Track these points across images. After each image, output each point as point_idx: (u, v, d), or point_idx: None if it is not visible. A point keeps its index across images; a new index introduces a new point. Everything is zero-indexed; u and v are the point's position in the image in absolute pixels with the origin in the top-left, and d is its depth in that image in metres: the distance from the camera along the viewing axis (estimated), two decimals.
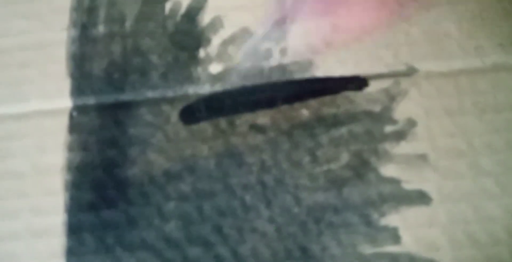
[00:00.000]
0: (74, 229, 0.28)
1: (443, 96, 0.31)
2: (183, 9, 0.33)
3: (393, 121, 0.30)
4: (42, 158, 0.30)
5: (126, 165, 0.29)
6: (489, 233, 0.28)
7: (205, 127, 0.30)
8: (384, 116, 0.30)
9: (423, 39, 0.32)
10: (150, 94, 0.31)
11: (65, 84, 0.31)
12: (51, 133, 0.30)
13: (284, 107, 0.31)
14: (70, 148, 0.30)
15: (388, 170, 0.29)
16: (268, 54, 0.32)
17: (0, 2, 0.34)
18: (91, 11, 0.33)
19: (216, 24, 0.33)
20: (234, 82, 0.31)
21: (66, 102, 0.31)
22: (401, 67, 0.32)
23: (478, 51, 0.32)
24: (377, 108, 0.31)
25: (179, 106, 0.31)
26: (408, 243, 0.28)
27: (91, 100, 0.31)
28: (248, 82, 0.31)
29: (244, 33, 0.32)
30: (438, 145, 0.30)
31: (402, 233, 0.28)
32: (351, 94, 0.31)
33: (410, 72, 0.31)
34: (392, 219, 0.28)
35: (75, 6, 0.33)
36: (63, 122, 0.30)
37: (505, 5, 0.33)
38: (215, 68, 0.32)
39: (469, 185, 0.29)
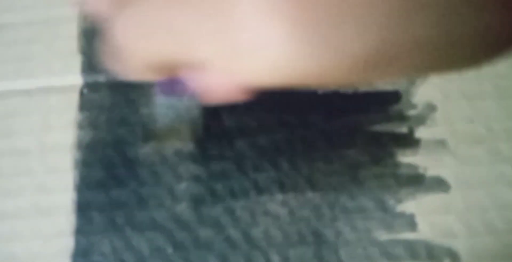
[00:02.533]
0: (83, 208, 0.28)
1: (463, 79, 0.30)
2: None
3: (412, 105, 0.30)
4: (49, 135, 0.29)
5: (137, 144, 0.28)
6: (506, 220, 0.27)
7: (218, 108, 0.29)
8: (403, 100, 0.30)
9: None
10: None
11: (74, 61, 0.31)
12: (59, 110, 0.30)
13: (297, 88, 0.30)
14: (81, 126, 0.29)
15: (405, 155, 0.29)
16: None
17: None
18: None
19: None
20: None
21: (76, 79, 0.30)
22: None
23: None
24: (395, 92, 0.30)
25: None
26: (425, 230, 0.27)
27: (102, 78, 0.30)
28: None
29: None
30: (457, 130, 0.29)
31: (419, 219, 0.27)
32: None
33: None
34: (408, 206, 0.28)
35: None
36: (73, 99, 0.30)
37: None
38: None
39: (487, 171, 0.28)
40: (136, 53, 0.15)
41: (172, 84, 0.22)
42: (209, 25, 0.13)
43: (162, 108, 0.25)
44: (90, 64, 0.31)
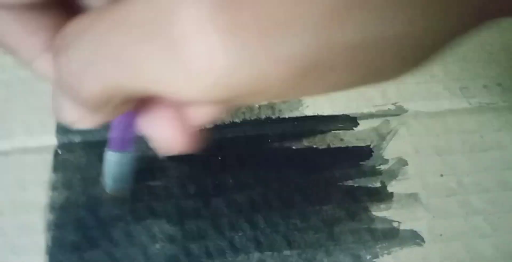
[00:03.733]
0: None
1: (432, 135, 0.31)
2: None
3: (384, 160, 0.30)
4: (23, 195, 0.29)
5: (111, 204, 0.28)
6: None
7: (194, 164, 0.30)
8: (375, 155, 0.30)
9: (410, 80, 0.33)
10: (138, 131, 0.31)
11: (50, 120, 0.31)
12: (34, 170, 0.29)
13: (274, 145, 0.30)
14: (54, 187, 0.29)
15: (379, 209, 0.29)
16: None
17: None
18: None
19: None
20: (223, 119, 0.31)
21: (51, 139, 0.30)
22: (390, 107, 0.32)
23: (464, 92, 0.33)
24: (367, 147, 0.31)
25: None
26: None
27: (77, 138, 0.30)
28: (238, 120, 0.31)
29: None
30: (428, 184, 0.30)
31: None
32: (341, 132, 0.31)
33: (398, 112, 0.32)
34: (385, 260, 0.28)
35: None
36: (47, 159, 0.30)
37: (487, 48, 0.34)
38: None
39: (460, 224, 0.29)
40: (86, 88, 0.15)
41: (124, 139, 0.23)
42: (150, 46, 0.13)
43: (110, 164, 0.25)
44: (65, 125, 0.31)
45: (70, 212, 0.28)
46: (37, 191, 0.29)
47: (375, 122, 0.31)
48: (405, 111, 0.32)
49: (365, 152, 0.31)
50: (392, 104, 0.32)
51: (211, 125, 0.31)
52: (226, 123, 0.31)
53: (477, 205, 0.29)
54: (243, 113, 0.31)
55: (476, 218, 0.29)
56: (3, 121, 0.31)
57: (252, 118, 0.31)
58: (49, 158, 0.30)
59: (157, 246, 0.27)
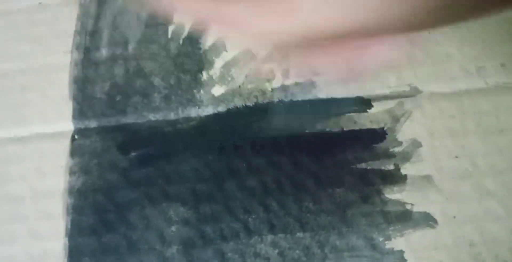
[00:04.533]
0: (74, 254, 0.28)
1: (447, 116, 0.31)
2: (185, 32, 0.33)
3: (398, 142, 0.30)
4: (42, 182, 0.30)
5: (127, 188, 0.29)
6: (495, 255, 0.28)
7: (208, 148, 0.30)
8: (388, 137, 0.30)
9: (426, 61, 0.32)
10: (152, 116, 0.31)
11: (67, 107, 0.31)
12: (51, 156, 0.30)
13: (287, 129, 0.30)
14: (72, 172, 0.29)
15: (393, 192, 0.29)
16: (270, 75, 0.32)
17: (2, 26, 0.34)
18: (94, 34, 0.33)
19: (218, 46, 0.33)
20: (236, 103, 0.31)
21: (67, 125, 0.31)
22: (405, 88, 0.32)
23: (480, 72, 0.32)
24: (381, 130, 0.31)
25: (181, 128, 0.31)
26: None
27: (93, 123, 0.31)
28: (250, 103, 0.31)
29: (246, 55, 0.32)
30: (442, 167, 0.30)
31: (408, 256, 0.28)
32: (354, 115, 0.31)
33: (413, 93, 0.31)
34: (397, 243, 0.28)
35: (78, 29, 0.33)
36: (64, 145, 0.30)
37: (506, 25, 0.33)
38: (217, 90, 0.32)
39: (474, 207, 0.29)
40: None
41: None
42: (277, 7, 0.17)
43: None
44: (81, 110, 0.31)
45: (87, 197, 0.29)
46: (55, 177, 0.29)
47: (389, 104, 0.31)
48: (420, 92, 0.31)
49: (378, 135, 0.30)
50: (407, 85, 0.32)
51: (224, 110, 0.31)
52: (238, 107, 0.31)
53: (491, 188, 0.29)
54: (256, 96, 0.31)
55: (490, 202, 0.29)
56: (20, 109, 0.31)
57: (264, 102, 0.31)
58: (66, 144, 0.30)
59: (173, 228, 0.28)
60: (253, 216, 0.28)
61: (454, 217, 0.29)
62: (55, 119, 0.31)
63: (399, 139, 0.30)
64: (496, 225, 0.28)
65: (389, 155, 0.30)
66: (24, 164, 0.30)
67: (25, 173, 0.30)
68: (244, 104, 0.31)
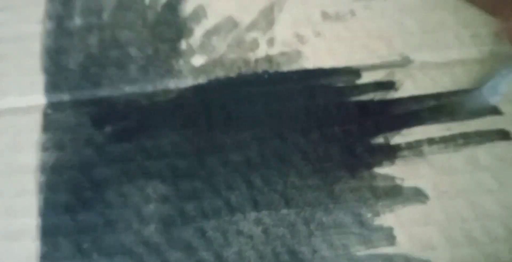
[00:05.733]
0: (48, 233, 0.27)
1: (439, 87, 0.30)
2: None
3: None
4: (15, 157, 0.28)
5: (103, 164, 0.27)
6: (487, 230, 0.27)
7: (188, 122, 0.29)
8: (377, 110, 0.29)
9: (417, 29, 0.31)
10: (128, 88, 0.30)
11: (39, 79, 0.30)
12: (24, 131, 0.29)
13: (271, 101, 0.29)
14: (44, 148, 0.28)
15: (382, 166, 0.28)
16: (254, 44, 0.30)
17: None
18: (67, 2, 0.32)
19: (199, 14, 0.31)
20: (217, 74, 0.30)
21: (40, 99, 0.29)
22: (395, 58, 0.30)
23: (475, 40, 0.31)
24: (370, 101, 0.29)
25: (159, 101, 0.29)
26: (403, 243, 0.27)
27: (66, 97, 0.29)
28: (233, 74, 0.30)
29: (228, 23, 0.31)
30: (434, 139, 0.28)
31: (397, 232, 0.27)
32: (343, 86, 0.30)
33: (404, 63, 0.30)
34: (386, 219, 0.27)
35: None
36: (37, 120, 0.29)
37: None
38: (198, 60, 0.30)
39: (465, 180, 0.28)
40: None
41: None
42: None
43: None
44: (54, 82, 0.30)
45: (62, 173, 0.27)
46: (29, 153, 0.28)
47: (379, 74, 0.30)
48: (411, 62, 0.30)
49: (367, 107, 0.29)
50: (398, 55, 0.30)
51: (205, 82, 0.29)
52: (220, 78, 0.30)
53: (483, 161, 0.28)
54: (238, 67, 0.30)
55: (482, 174, 0.28)
56: None
57: (248, 73, 0.30)
58: (38, 118, 0.29)
59: (151, 206, 0.27)
60: (236, 193, 0.27)
61: (446, 191, 0.28)
62: (28, 92, 0.30)
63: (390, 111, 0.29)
64: (489, 199, 0.27)
65: (379, 128, 0.29)
66: None
67: None
68: (226, 75, 0.30)
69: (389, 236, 0.27)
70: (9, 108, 0.29)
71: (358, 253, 0.26)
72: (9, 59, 0.31)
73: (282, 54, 0.30)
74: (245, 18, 0.31)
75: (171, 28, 0.31)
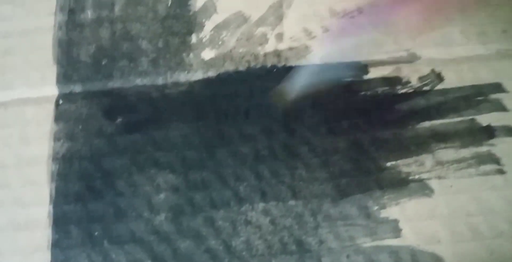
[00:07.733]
0: (59, 222, 0.27)
1: (445, 83, 0.30)
2: None
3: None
4: (26, 148, 0.29)
5: (114, 155, 0.28)
6: (491, 225, 0.27)
7: (198, 115, 0.29)
8: (384, 105, 0.29)
9: (425, 25, 0.31)
10: (139, 81, 0.30)
11: (51, 71, 0.30)
12: (35, 122, 0.29)
13: (280, 94, 0.29)
14: (56, 138, 0.28)
15: (388, 160, 0.28)
16: (263, 39, 0.31)
17: None
18: None
19: (209, 8, 0.31)
20: (227, 68, 0.30)
21: (52, 90, 0.30)
22: (402, 54, 0.30)
23: (481, 37, 0.31)
24: (377, 96, 0.30)
25: (169, 93, 0.30)
26: (409, 236, 0.27)
27: (78, 88, 0.30)
28: (242, 68, 0.30)
29: (238, 18, 0.31)
30: (440, 133, 0.29)
31: (403, 225, 0.27)
32: (350, 81, 0.30)
33: (411, 59, 0.30)
34: (392, 211, 0.27)
35: None
36: (49, 110, 0.29)
37: None
38: (207, 54, 0.30)
39: (473, 175, 0.28)
40: None
41: None
42: None
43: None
44: (66, 74, 0.30)
45: (73, 163, 0.28)
46: (40, 143, 0.28)
47: (386, 70, 0.30)
48: (418, 58, 0.30)
49: (374, 101, 0.29)
50: (405, 50, 0.31)
51: (215, 75, 0.30)
52: (229, 72, 0.30)
53: (489, 156, 0.28)
54: (248, 61, 0.30)
55: (489, 169, 0.28)
56: (3, 73, 0.30)
57: (257, 67, 0.30)
58: (50, 109, 0.29)
59: (161, 196, 0.27)
60: (244, 184, 0.27)
61: (451, 186, 0.28)
62: (39, 84, 0.30)
63: (396, 107, 0.29)
64: (494, 194, 0.28)
65: (386, 122, 0.29)
66: (7, 130, 0.29)
67: (8, 139, 0.29)
68: (235, 69, 0.30)
69: (395, 229, 0.27)
70: (21, 99, 0.30)
71: (364, 245, 0.27)
72: (20, 52, 0.31)
73: (291, 49, 0.30)
74: (254, 13, 0.31)
75: (182, 22, 0.31)
